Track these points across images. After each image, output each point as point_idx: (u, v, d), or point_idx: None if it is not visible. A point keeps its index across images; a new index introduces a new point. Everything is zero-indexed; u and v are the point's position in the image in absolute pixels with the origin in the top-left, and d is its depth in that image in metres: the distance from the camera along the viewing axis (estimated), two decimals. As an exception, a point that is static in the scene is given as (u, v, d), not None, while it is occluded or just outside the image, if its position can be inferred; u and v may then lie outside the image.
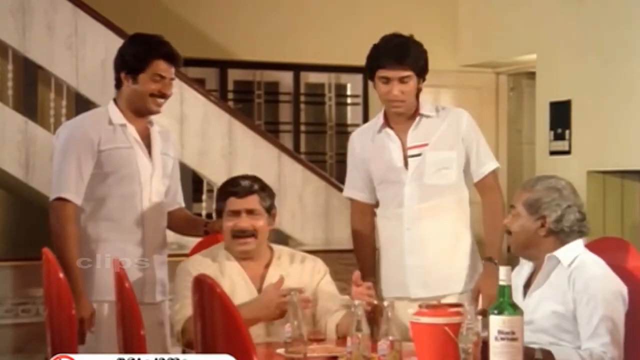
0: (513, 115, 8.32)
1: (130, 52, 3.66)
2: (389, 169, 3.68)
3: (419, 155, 3.64)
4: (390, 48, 3.59)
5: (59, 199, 3.52)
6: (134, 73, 3.61)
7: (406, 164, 3.65)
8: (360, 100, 8.35)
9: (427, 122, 3.66)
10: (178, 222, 3.89)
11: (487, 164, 3.69)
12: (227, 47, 7.73)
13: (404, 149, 3.66)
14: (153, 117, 3.74)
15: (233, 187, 3.49)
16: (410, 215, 3.64)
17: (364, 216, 3.79)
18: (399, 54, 3.57)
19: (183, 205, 3.94)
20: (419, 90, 3.67)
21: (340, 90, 8.41)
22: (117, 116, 3.64)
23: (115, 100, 3.69)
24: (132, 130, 3.63)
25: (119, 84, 3.68)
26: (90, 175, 3.55)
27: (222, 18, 7.67)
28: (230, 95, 8.07)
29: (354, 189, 3.81)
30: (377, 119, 3.74)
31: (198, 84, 6.90)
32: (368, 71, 3.68)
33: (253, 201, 3.47)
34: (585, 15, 6.91)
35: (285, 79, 8.24)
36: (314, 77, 8.34)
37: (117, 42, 4.70)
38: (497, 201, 3.68)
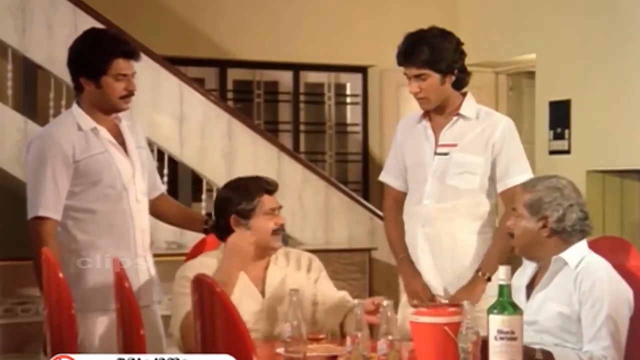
0: (512, 115, 8.22)
1: (86, 56, 3.50)
2: (417, 163, 3.67)
3: (446, 154, 3.61)
4: (402, 46, 3.59)
5: (38, 217, 3.44)
6: (94, 77, 3.48)
7: (433, 161, 3.63)
8: (359, 99, 8.34)
9: (463, 124, 3.62)
10: (174, 215, 3.86)
11: (515, 176, 3.58)
12: (226, 47, 7.74)
13: (436, 146, 3.64)
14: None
15: (267, 185, 3.46)
16: (426, 213, 3.61)
17: (396, 203, 3.77)
18: (408, 52, 3.56)
19: (164, 189, 3.90)
20: (461, 86, 3.63)
21: (340, 90, 8.40)
22: (85, 121, 3.52)
23: (78, 102, 3.57)
24: (104, 132, 3.53)
25: (78, 87, 3.54)
26: (70, 187, 3.46)
27: (222, 18, 7.67)
28: (230, 95, 8.07)
29: (389, 174, 3.82)
30: (419, 110, 3.71)
31: (197, 84, 6.90)
32: None
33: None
34: (584, 15, 6.91)
35: (285, 78, 8.24)
36: (313, 77, 8.33)
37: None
38: None
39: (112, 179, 3.51)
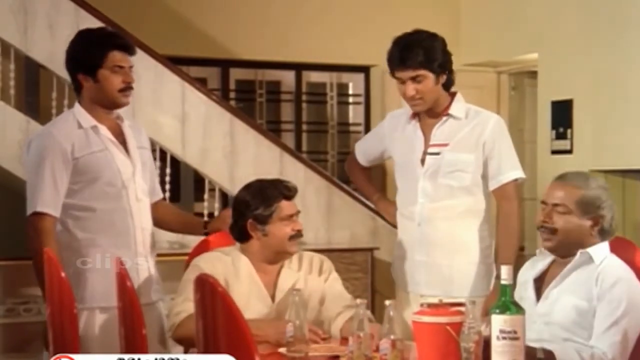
0: (515, 115, 8.32)
1: (81, 51, 3.54)
2: (407, 162, 3.70)
3: (437, 154, 3.63)
4: (396, 50, 3.60)
5: (36, 213, 3.44)
6: (91, 71, 3.50)
7: (424, 160, 3.65)
8: (362, 99, 8.34)
9: (453, 123, 3.65)
10: (173, 221, 3.86)
11: (508, 172, 3.63)
12: (228, 47, 7.73)
13: (426, 145, 3.66)
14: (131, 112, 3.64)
15: (286, 191, 3.45)
16: (422, 212, 3.65)
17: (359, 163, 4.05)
18: (403, 56, 3.56)
19: (162, 195, 3.92)
20: (449, 86, 3.66)
21: (342, 90, 8.40)
22: (85, 119, 3.53)
23: (80, 102, 3.58)
24: (104, 130, 3.54)
25: (78, 87, 3.56)
26: (69, 184, 3.47)
27: (224, 17, 7.66)
28: (232, 95, 8.07)
29: (359, 149, 4.02)
30: (409, 109, 3.72)
31: (200, 83, 6.89)
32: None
33: (296, 203, 3.50)
34: (586, 14, 6.90)
35: (287, 78, 8.24)
36: (315, 77, 8.33)
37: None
38: (513, 212, 3.63)
39: (111, 177, 3.52)
